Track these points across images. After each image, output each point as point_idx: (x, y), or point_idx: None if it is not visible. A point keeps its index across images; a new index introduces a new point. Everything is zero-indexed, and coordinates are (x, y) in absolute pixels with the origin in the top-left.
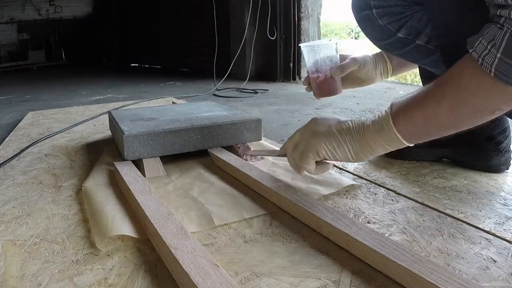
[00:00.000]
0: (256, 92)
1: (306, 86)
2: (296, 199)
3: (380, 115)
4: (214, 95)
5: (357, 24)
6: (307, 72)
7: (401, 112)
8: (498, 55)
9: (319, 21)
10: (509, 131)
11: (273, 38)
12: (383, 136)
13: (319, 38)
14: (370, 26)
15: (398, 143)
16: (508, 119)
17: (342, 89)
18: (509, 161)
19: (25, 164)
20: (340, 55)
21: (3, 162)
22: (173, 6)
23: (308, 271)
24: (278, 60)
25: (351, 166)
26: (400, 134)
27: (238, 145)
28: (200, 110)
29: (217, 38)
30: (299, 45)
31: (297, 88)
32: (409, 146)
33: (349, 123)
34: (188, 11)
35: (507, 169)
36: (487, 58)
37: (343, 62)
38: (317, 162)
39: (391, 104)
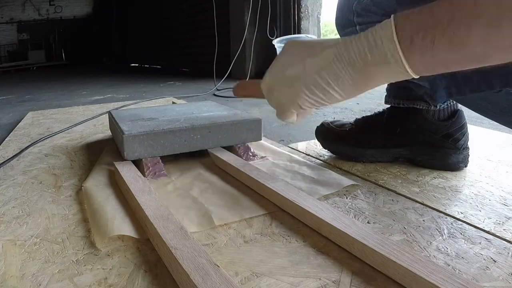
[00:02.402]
0: None
1: None
2: (296, 199)
3: (379, 38)
4: (214, 95)
5: None
6: None
7: (417, 39)
8: None
9: (319, 21)
10: (467, 128)
11: (273, 38)
12: (389, 71)
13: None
14: None
15: (406, 75)
16: (465, 116)
17: None
18: (468, 158)
19: (25, 164)
20: None
21: (3, 162)
22: (173, 6)
23: (308, 271)
24: None
25: (351, 166)
26: (412, 68)
27: (238, 145)
28: (200, 110)
29: (217, 38)
30: (273, 42)
31: None
32: (363, 148)
33: (333, 51)
34: (188, 11)
35: (466, 166)
36: None
37: None
38: None
39: (395, 18)
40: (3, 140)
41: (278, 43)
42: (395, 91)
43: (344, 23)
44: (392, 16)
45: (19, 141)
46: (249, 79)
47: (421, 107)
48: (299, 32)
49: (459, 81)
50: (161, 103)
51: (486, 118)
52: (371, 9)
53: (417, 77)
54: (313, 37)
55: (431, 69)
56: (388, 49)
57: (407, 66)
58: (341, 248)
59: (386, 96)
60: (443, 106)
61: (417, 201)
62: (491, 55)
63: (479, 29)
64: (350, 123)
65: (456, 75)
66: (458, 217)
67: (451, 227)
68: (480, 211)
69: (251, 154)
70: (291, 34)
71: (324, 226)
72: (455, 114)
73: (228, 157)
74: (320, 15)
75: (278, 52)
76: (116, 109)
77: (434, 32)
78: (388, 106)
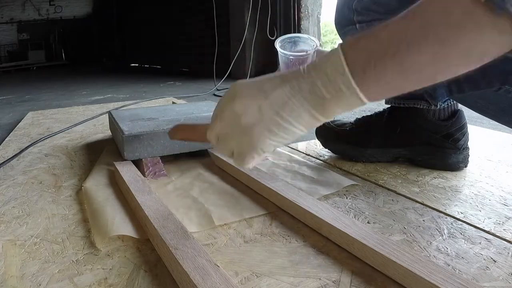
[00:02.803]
0: None
1: None
2: (296, 199)
3: (331, 73)
4: (214, 95)
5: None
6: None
7: (367, 66)
8: None
9: (319, 21)
10: (467, 128)
11: (273, 38)
12: (343, 101)
13: (319, 38)
14: None
15: (360, 104)
16: (465, 116)
17: None
18: (468, 158)
19: (25, 164)
20: (318, 50)
21: (3, 162)
22: (173, 6)
23: (308, 271)
24: (277, 60)
25: (351, 166)
26: (366, 97)
27: None
28: (200, 110)
29: (217, 38)
30: (276, 44)
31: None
32: (362, 147)
33: (288, 88)
34: (188, 11)
35: (466, 166)
36: None
37: None
38: None
39: (342, 49)
40: (3, 140)
41: (278, 43)
42: None
43: (344, 22)
44: (339, 45)
45: (19, 141)
46: (249, 79)
47: (421, 107)
48: (299, 32)
49: (459, 79)
50: (161, 103)
51: (486, 118)
52: (371, 7)
53: (372, 102)
54: (315, 39)
55: (387, 94)
56: (342, 82)
57: (362, 96)
58: (341, 248)
59: None
60: (443, 105)
61: (417, 201)
62: (443, 73)
63: (429, 50)
64: (350, 122)
65: None
66: (458, 217)
67: (451, 227)
68: (480, 211)
69: None
70: (291, 34)
71: (324, 226)
72: (455, 114)
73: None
74: (320, 15)
75: (279, 55)
76: (116, 109)
77: (385, 59)
78: (388, 105)
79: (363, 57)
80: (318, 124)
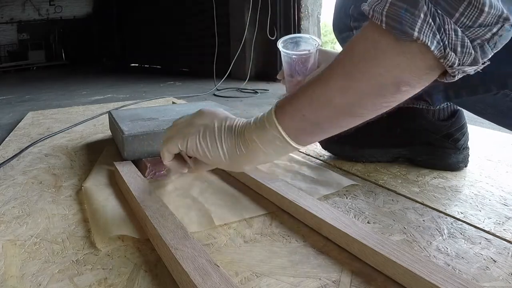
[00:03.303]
0: (256, 92)
1: (281, 79)
2: (296, 199)
3: (264, 112)
4: (214, 95)
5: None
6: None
7: (286, 103)
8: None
9: (319, 21)
10: (467, 128)
11: (273, 38)
12: (265, 136)
13: (319, 38)
14: None
15: (284, 144)
16: (465, 115)
17: None
18: (468, 158)
19: (25, 164)
20: (320, 50)
21: (3, 162)
22: (173, 6)
23: (308, 271)
24: (278, 60)
25: (351, 166)
26: (285, 131)
27: None
28: None
29: (217, 38)
30: (278, 43)
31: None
32: (362, 148)
33: (236, 120)
34: (188, 11)
35: (466, 166)
36: (377, 7)
37: (319, 69)
38: (177, 156)
39: (278, 100)
40: (3, 140)
41: (281, 44)
42: None
43: (341, 27)
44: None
45: (19, 141)
46: (249, 79)
47: (421, 107)
48: (299, 32)
49: (457, 84)
50: (161, 103)
51: None
52: None
53: (300, 147)
54: (316, 39)
55: (306, 131)
56: (266, 115)
57: (285, 135)
58: (341, 248)
59: None
60: (443, 106)
61: (417, 201)
62: (358, 105)
63: (337, 83)
64: None
65: None
66: (458, 217)
67: (451, 227)
68: (480, 211)
69: None
70: (291, 34)
71: (324, 226)
72: (455, 114)
73: None
74: (320, 15)
75: (282, 55)
76: (116, 109)
77: (298, 94)
78: None
79: (287, 103)
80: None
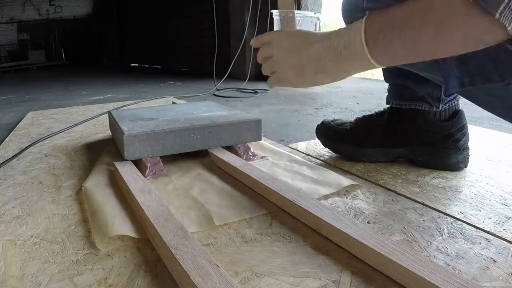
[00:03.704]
0: (256, 92)
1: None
2: (296, 199)
3: (351, 39)
4: (214, 95)
5: None
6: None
7: (379, 40)
8: None
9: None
10: (467, 128)
11: None
12: (357, 63)
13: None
14: None
15: (371, 67)
16: (466, 116)
17: None
18: (468, 158)
19: (25, 164)
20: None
21: (3, 162)
22: (173, 6)
23: (308, 271)
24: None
25: (351, 166)
26: (377, 62)
27: (238, 145)
28: (200, 110)
29: (217, 38)
30: (272, 11)
31: (297, 88)
32: (363, 147)
33: (322, 45)
34: (188, 11)
35: (466, 166)
36: None
37: None
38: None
39: (365, 20)
40: (3, 140)
41: (276, 16)
42: (396, 92)
43: (353, 8)
44: (364, 18)
45: (19, 141)
46: (249, 79)
47: (423, 108)
48: None
49: (472, 72)
50: (161, 103)
51: (485, 118)
52: None
53: (384, 66)
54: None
55: (394, 62)
56: (359, 48)
57: (373, 61)
58: (341, 248)
59: (387, 96)
60: (444, 107)
61: (417, 201)
62: (443, 51)
63: (428, 32)
64: (350, 122)
65: (469, 65)
66: (458, 217)
67: (451, 227)
68: (480, 211)
69: (251, 154)
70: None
71: (324, 226)
72: (456, 115)
73: (228, 157)
74: (320, 15)
75: (275, 24)
76: (116, 109)
77: (392, 34)
78: (389, 105)
79: (376, 30)
80: (340, 79)
